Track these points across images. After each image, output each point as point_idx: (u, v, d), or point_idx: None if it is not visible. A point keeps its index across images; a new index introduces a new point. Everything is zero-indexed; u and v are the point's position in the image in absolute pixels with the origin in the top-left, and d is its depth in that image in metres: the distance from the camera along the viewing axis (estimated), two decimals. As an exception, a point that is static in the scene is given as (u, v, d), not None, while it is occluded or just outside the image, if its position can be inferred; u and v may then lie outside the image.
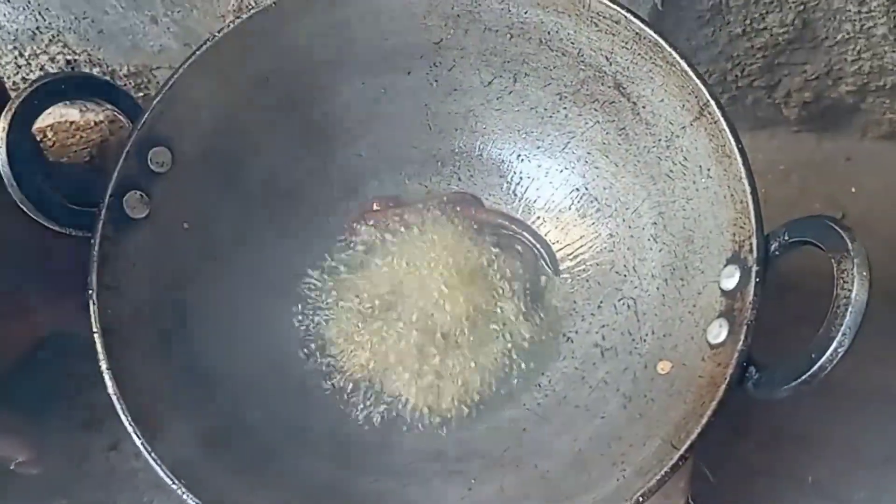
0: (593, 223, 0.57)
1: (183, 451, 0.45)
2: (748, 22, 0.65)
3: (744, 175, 0.45)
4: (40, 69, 0.89)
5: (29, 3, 0.78)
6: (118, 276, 0.49)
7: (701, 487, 0.59)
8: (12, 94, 0.79)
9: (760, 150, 0.82)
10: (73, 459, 0.73)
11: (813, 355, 0.38)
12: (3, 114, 0.46)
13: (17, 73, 0.91)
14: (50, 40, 0.85)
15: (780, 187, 0.80)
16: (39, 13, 0.79)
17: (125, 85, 0.88)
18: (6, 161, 0.46)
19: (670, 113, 0.50)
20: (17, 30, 0.82)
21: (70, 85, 0.49)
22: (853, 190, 0.80)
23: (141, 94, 0.87)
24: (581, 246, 0.58)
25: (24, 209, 0.47)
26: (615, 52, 0.51)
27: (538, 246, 0.59)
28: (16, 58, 0.87)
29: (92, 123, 0.85)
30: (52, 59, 0.87)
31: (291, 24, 0.54)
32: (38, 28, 0.83)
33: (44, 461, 0.71)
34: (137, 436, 0.43)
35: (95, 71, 0.87)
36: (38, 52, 0.86)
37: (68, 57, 0.87)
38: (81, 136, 0.86)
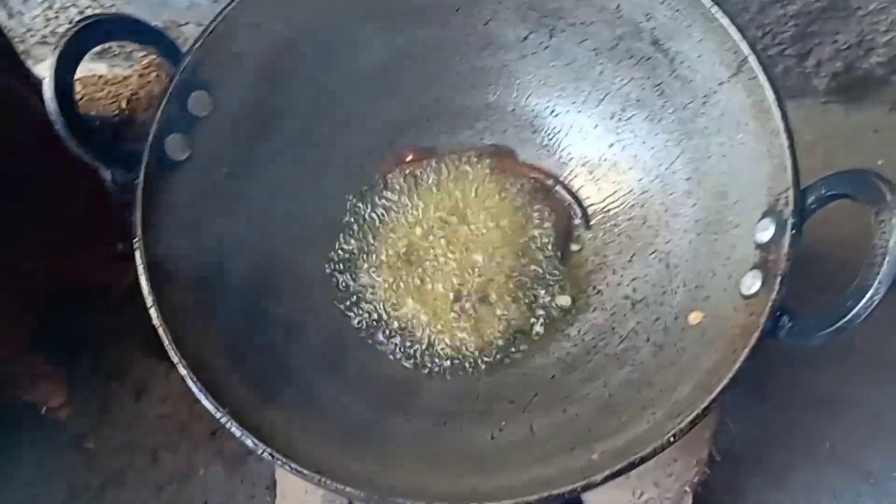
0: (626, 179, 0.57)
1: (224, 384, 0.46)
2: (781, -11, 0.65)
3: (782, 129, 0.45)
4: (69, 22, 0.89)
5: (59, -44, 0.78)
6: (160, 216, 0.49)
7: (723, 441, 0.60)
8: (41, 48, 0.80)
9: (788, 121, 0.82)
10: (102, 405, 0.75)
11: (849, 303, 0.39)
12: (53, 51, 0.46)
13: (46, 25, 0.91)
14: (80, -6, 0.85)
15: (807, 158, 0.79)
16: (70, -34, 0.80)
17: (153, 41, 0.88)
18: (54, 97, 0.46)
19: (708, 69, 0.50)
20: (47, -18, 0.82)
21: (117, 26, 0.49)
22: (880, 162, 0.80)
23: (170, 49, 0.88)
24: (613, 201, 0.58)
25: (70, 147, 0.48)
26: (654, 7, 0.52)
27: (571, 200, 0.59)
28: (45, 10, 0.88)
29: (121, 78, 0.85)
30: (81, 13, 0.88)
31: (330, -27, 0.55)
32: (67, -19, 0.83)
33: (73, 406, 0.73)
34: (183, 366, 0.44)
35: (124, 26, 0.87)
36: (68, 4, 0.87)
37: (97, 10, 0.87)
38: (110, 91, 0.86)
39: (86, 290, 0.75)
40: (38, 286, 0.68)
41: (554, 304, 0.56)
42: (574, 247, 0.59)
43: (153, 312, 0.46)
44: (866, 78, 0.79)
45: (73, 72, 0.48)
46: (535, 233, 0.58)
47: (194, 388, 0.43)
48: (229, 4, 0.53)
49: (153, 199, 0.49)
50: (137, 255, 0.47)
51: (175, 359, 0.44)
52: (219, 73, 0.53)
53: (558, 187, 0.59)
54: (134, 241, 0.48)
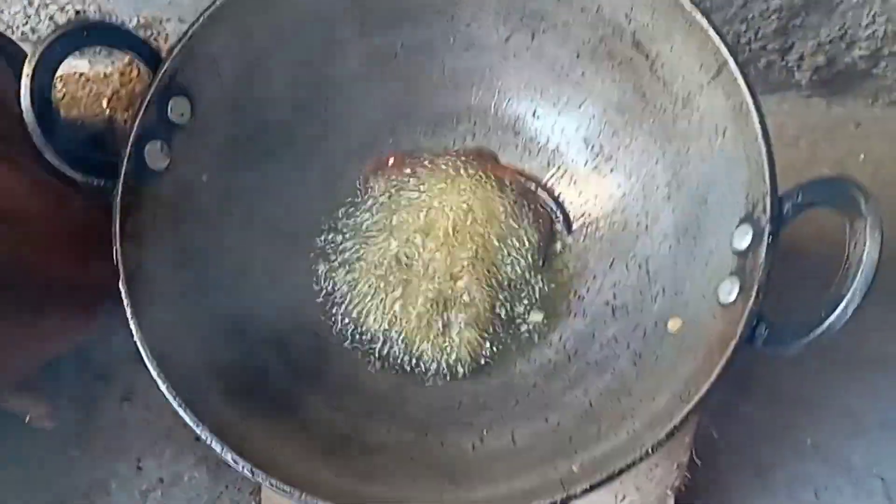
0: (607, 183, 0.57)
1: (205, 398, 0.46)
2: (764, -17, 0.65)
3: (760, 135, 0.45)
4: (49, 19, 0.88)
5: (38, -49, 0.77)
6: (139, 227, 0.49)
7: (704, 443, 0.60)
8: (22, 45, 0.79)
9: (770, 115, 0.80)
10: (87, 410, 0.75)
11: (823, 313, 0.39)
12: (28, 60, 0.46)
13: (26, 22, 0.90)
14: (59, -11, 0.84)
15: (789, 152, 0.80)
16: (49, -38, 0.78)
17: (134, 36, 0.87)
18: (30, 108, 0.46)
19: (688, 72, 0.50)
20: (26, -23, 0.81)
21: (94, 33, 0.49)
22: (862, 157, 0.80)
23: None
24: (594, 205, 0.58)
25: (47, 157, 0.47)
26: (635, 9, 0.51)
27: (552, 204, 0.59)
28: (24, 7, 0.87)
29: (102, 75, 0.85)
30: (62, 9, 0.87)
31: (310, -25, 0.54)
32: (46, -23, 0.82)
33: (57, 414, 0.73)
34: (162, 380, 0.44)
35: (105, 22, 0.86)
36: (48, 1, 0.86)
37: (77, 7, 0.86)
38: (92, 89, 0.86)
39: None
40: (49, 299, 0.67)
41: (528, 318, 0.57)
42: (556, 250, 0.59)
43: (133, 327, 0.45)
44: (848, 71, 0.79)
45: (51, 80, 0.48)
46: (516, 238, 0.58)
47: (174, 403, 0.43)
48: (208, 8, 0.52)
49: (132, 210, 0.49)
50: (118, 267, 0.47)
51: (154, 374, 0.44)
52: (198, 79, 0.53)
53: (540, 191, 0.59)
54: (113, 253, 0.48)
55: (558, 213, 0.59)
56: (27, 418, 0.71)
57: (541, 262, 0.58)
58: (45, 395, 0.72)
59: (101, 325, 0.75)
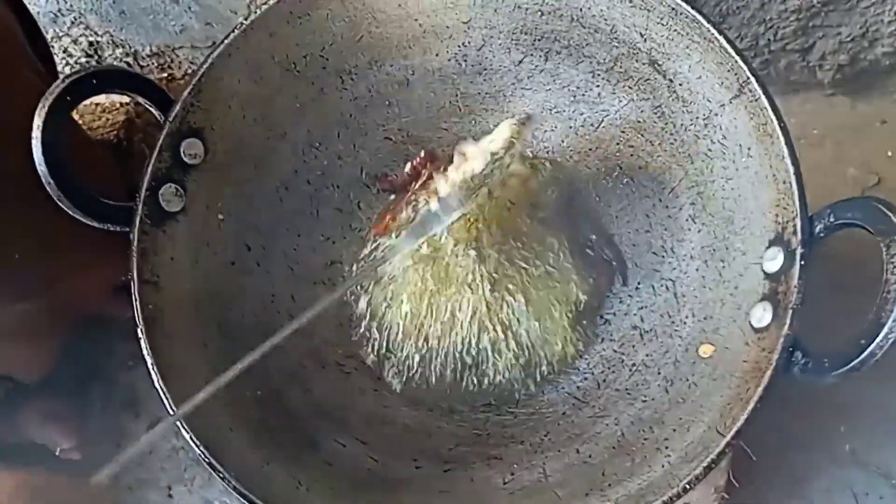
0: (629, 203, 0.56)
1: (228, 441, 0.46)
2: (782, -16, 0.64)
3: (786, 154, 0.44)
4: (63, 51, 0.89)
5: (50, -15, 0.78)
6: (157, 270, 0.49)
7: (740, 463, 0.59)
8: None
9: (794, 115, 0.80)
10: (115, 439, 0.75)
11: (862, 341, 0.38)
12: (38, 111, 0.46)
13: (40, 56, 0.91)
14: (72, 22, 0.85)
15: (814, 152, 0.78)
16: (61, -5, 0.79)
17: (148, 65, 0.87)
18: (42, 159, 0.45)
19: (708, 90, 0.49)
20: (38, 12, 0.82)
21: (101, 79, 0.48)
22: (889, 154, 0.78)
23: (164, 74, 0.87)
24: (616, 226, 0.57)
25: (62, 206, 0.47)
26: (650, 28, 0.50)
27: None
28: (38, 40, 0.87)
29: (118, 105, 0.85)
30: (75, 41, 0.87)
31: (318, 9, 0.53)
32: (59, 10, 0.83)
33: (86, 446, 0.73)
34: (185, 430, 0.43)
35: (118, 52, 0.87)
36: (61, 34, 0.86)
37: (90, 39, 0.87)
38: (108, 119, 0.86)
39: (93, 320, 0.75)
40: (66, 304, 0.67)
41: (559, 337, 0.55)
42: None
43: (152, 373, 0.45)
44: (872, 69, 0.77)
45: (62, 129, 0.48)
46: (540, 262, 0.56)
47: (197, 452, 0.43)
48: (216, 48, 0.52)
49: (149, 254, 0.49)
50: (136, 313, 0.47)
51: (181, 429, 0.43)
52: (209, 119, 0.52)
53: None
54: (131, 298, 0.47)
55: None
56: (58, 450, 0.71)
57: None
58: (75, 426, 0.73)
59: (129, 353, 0.76)
